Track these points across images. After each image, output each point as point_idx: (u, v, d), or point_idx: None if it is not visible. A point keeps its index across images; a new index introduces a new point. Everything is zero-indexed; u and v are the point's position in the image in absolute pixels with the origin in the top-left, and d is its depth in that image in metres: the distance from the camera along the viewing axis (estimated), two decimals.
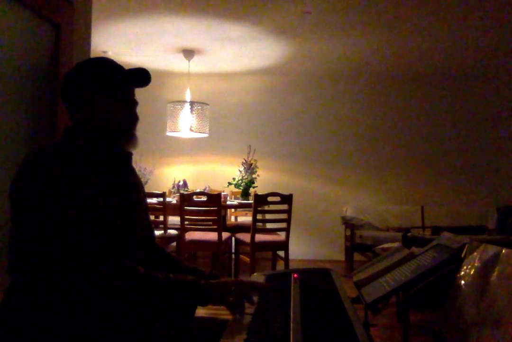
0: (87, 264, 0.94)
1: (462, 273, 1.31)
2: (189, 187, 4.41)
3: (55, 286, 0.97)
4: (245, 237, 3.78)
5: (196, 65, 4.84)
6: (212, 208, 3.59)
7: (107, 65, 1.12)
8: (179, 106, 4.48)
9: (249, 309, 1.07)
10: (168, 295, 1.00)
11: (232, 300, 1.06)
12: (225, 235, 3.76)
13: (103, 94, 1.09)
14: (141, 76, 1.14)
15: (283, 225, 3.78)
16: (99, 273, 0.95)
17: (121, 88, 1.11)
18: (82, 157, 1.05)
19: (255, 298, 1.13)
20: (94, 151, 1.09)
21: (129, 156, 1.19)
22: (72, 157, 1.03)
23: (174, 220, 4.36)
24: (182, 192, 3.99)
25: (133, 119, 1.13)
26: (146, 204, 1.27)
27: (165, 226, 3.81)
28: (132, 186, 1.19)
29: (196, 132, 4.53)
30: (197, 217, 3.74)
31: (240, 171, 4.27)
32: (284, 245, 3.76)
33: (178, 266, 1.30)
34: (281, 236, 3.88)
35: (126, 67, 1.15)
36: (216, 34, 4.02)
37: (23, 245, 0.99)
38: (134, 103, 1.13)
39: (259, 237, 3.73)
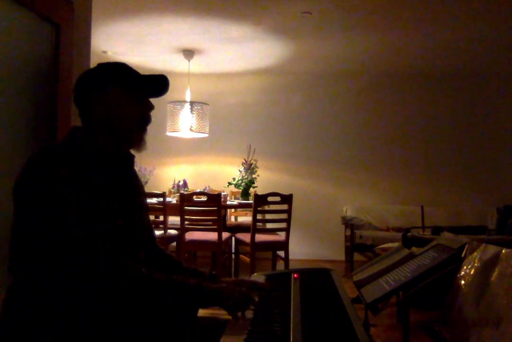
0: (87, 263, 0.94)
1: (462, 273, 1.31)
2: (189, 187, 4.41)
3: (56, 285, 0.97)
4: (245, 237, 3.78)
5: (196, 65, 4.84)
6: (212, 208, 3.58)
7: (130, 69, 1.16)
8: (179, 106, 4.48)
9: (249, 310, 1.07)
10: (170, 297, 1.00)
11: (233, 304, 1.06)
12: (225, 235, 3.76)
13: (127, 92, 1.11)
14: (162, 85, 1.18)
15: (283, 225, 3.78)
16: (100, 272, 0.95)
17: (142, 92, 1.14)
18: (85, 159, 1.05)
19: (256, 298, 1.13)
20: (98, 153, 1.10)
21: (131, 159, 1.20)
22: (76, 159, 1.03)
23: (174, 220, 4.36)
24: (182, 192, 3.99)
25: (147, 122, 1.16)
26: (147, 205, 1.27)
27: (165, 226, 3.81)
28: (133, 188, 1.20)
29: (196, 132, 4.53)
30: (197, 217, 3.74)
31: (240, 171, 4.27)
32: (284, 245, 3.76)
33: (178, 267, 1.30)
34: (281, 236, 3.88)
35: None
36: (216, 34, 4.02)
37: (24, 244, 0.99)
38: (150, 106, 1.17)
39: (259, 237, 3.73)
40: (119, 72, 1.14)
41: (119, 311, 1.02)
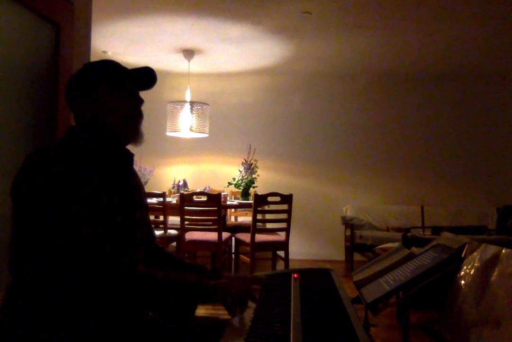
0: (88, 261, 0.94)
1: (462, 273, 1.31)
2: (189, 187, 4.41)
3: (56, 285, 0.97)
4: (245, 237, 3.78)
5: (196, 65, 4.84)
6: (212, 208, 3.58)
7: (115, 65, 1.15)
8: (179, 106, 4.48)
9: (249, 310, 1.07)
10: (168, 295, 1.00)
11: (232, 301, 1.06)
12: (225, 235, 3.76)
13: (112, 92, 1.11)
14: (148, 77, 1.18)
15: (283, 225, 3.78)
16: (100, 271, 0.95)
17: (129, 87, 1.14)
18: (84, 157, 1.05)
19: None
20: (97, 151, 1.10)
21: (130, 157, 1.20)
22: (75, 157, 1.04)
23: (174, 220, 4.36)
24: (182, 192, 3.99)
25: (139, 116, 1.16)
26: (147, 204, 1.27)
27: (165, 226, 3.81)
28: (133, 186, 1.20)
29: (196, 132, 4.53)
30: (197, 217, 3.74)
31: (240, 171, 4.27)
32: (284, 245, 3.76)
33: (179, 264, 1.30)
34: (281, 236, 3.88)
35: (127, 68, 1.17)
36: (216, 34, 4.02)
37: (24, 243, 0.99)
38: (140, 101, 1.16)
39: (259, 237, 3.73)
40: (106, 70, 1.14)
41: (118, 309, 1.02)
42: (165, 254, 1.34)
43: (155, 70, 1.19)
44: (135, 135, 1.15)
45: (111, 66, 1.15)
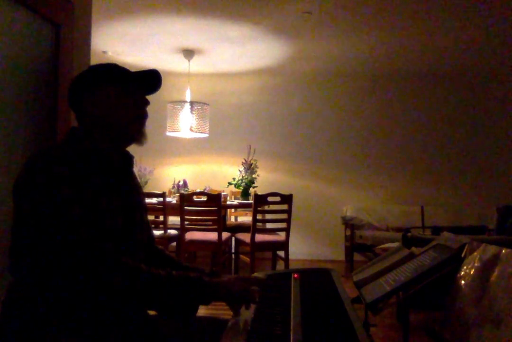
0: (89, 261, 0.94)
1: (462, 273, 1.31)
2: (189, 187, 4.41)
3: (56, 285, 0.97)
4: (245, 237, 3.78)
5: (196, 65, 4.84)
6: (212, 208, 3.59)
7: (120, 67, 1.16)
8: (179, 106, 4.48)
9: (249, 310, 1.07)
10: (170, 292, 1.00)
11: (235, 297, 1.06)
12: (225, 235, 3.76)
13: (117, 92, 1.11)
14: (154, 79, 1.19)
15: (283, 225, 3.78)
16: (101, 271, 0.95)
17: (134, 88, 1.14)
18: (85, 158, 1.05)
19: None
20: (98, 152, 1.10)
21: (130, 159, 1.20)
22: (76, 158, 1.03)
23: (174, 220, 4.36)
24: (182, 192, 3.99)
25: (143, 117, 1.16)
26: (146, 206, 1.27)
27: (165, 226, 3.81)
28: (132, 187, 1.20)
29: (196, 132, 4.53)
30: (197, 217, 3.74)
31: (240, 171, 4.27)
32: (284, 245, 3.76)
33: (178, 266, 1.30)
34: (281, 236, 3.88)
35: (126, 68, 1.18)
36: (216, 34, 4.02)
37: (25, 243, 0.99)
38: (146, 102, 1.17)
39: (259, 237, 3.73)
40: (112, 71, 1.14)
41: (119, 309, 1.02)
42: (165, 255, 1.34)
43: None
44: (138, 136, 1.16)
45: (116, 68, 1.16)
